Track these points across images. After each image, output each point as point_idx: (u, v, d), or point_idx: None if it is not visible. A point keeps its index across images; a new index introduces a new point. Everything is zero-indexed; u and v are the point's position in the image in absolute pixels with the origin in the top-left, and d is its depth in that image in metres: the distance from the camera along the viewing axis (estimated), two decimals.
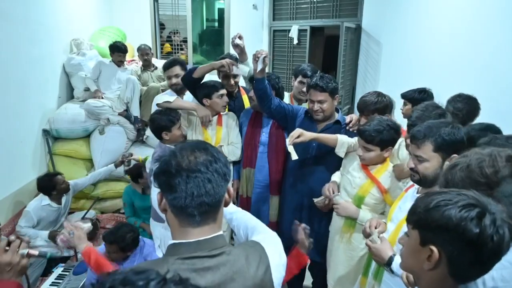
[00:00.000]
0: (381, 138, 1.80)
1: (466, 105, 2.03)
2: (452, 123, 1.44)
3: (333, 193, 2.01)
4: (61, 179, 3.03)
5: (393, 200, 1.76)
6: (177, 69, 2.72)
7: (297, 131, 2.03)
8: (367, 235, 1.61)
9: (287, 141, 2.02)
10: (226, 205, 0.94)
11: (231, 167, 2.58)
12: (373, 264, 1.67)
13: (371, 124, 1.83)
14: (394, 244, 1.48)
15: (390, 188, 1.87)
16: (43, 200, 2.97)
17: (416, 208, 0.86)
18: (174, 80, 2.70)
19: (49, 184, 2.96)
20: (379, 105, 2.07)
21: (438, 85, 2.67)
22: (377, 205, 1.92)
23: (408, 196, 1.59)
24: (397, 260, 1.40)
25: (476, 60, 2.41)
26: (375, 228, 1.61)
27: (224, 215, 1.27)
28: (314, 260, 2.46)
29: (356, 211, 1.92)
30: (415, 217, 0.85)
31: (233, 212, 1.29)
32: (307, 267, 2.64)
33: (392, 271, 1.42)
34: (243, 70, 2.63)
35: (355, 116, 2.35)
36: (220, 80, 2.66)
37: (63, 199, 3.11)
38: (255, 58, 2.14)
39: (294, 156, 2.02)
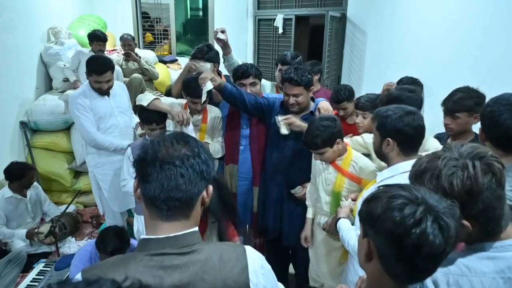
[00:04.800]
0: (322, 140, 1.80)
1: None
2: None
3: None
4: (32, 174, 3.00)
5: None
6: (109, 75, 2.50)
7: (293, 119, 2.11)
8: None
9: (279, 117, 2.10)
10: (204, 205, 0.91)
11: (215, 164, 2.53)
12: None
13: (308, 129, 1.87)
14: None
15: (363, 174, 1.87)
16: (5, 193, 2.88)
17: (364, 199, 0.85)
18: (105, 86, 2.51)
19: (18, 173, 2.88)
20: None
21: (423, 74, 2.68)
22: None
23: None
24: (341, 222, 1.69)
25: (461, 48, 2.41)
26: (352, 199, 1.82)
27: None
28: (296, 249, 2.47)
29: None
30: (360, 209, 0.85)
31: None
32: (289, 257, 2.65)
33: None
34: (206, 66, 2.49)
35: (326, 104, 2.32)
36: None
37: (28, 193, 3.03)
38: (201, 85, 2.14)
39: (284, 131, 2.09)
